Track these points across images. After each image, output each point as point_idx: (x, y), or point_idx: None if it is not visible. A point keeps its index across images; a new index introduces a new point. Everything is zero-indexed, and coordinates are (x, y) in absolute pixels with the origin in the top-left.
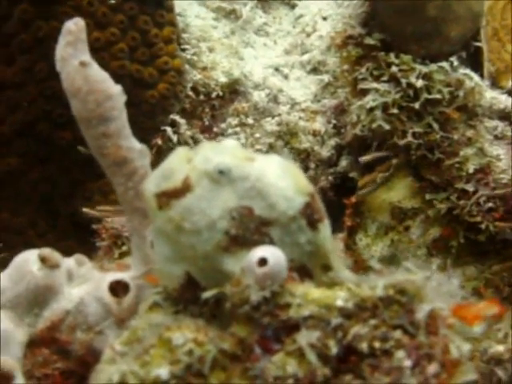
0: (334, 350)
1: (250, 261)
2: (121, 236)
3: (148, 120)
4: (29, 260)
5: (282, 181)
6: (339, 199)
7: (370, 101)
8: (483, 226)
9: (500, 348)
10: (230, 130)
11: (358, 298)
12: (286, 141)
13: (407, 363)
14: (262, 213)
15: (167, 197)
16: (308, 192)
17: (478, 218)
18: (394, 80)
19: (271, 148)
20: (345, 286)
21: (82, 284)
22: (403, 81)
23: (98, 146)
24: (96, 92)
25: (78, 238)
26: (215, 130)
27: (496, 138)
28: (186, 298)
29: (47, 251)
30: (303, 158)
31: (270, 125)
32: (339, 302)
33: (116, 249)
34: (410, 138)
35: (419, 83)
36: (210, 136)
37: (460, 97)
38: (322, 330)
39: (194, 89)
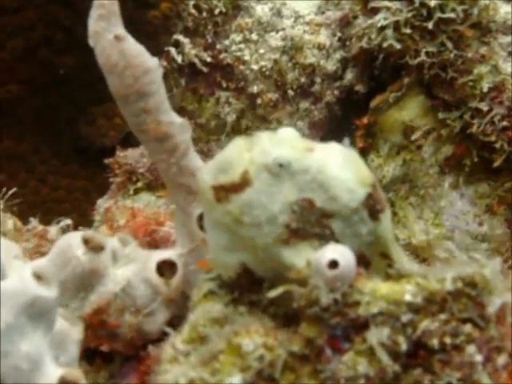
0: (403, 346)
1: (320, 262)
2: (135, 172)
3: (151, 41)
4: (73, 244)
5: (344, 172)
6: (345, 113)
7: (381, 19)
8: (497, 146)
9: None
10: (233, 47)
11: (426, 291)
12: (290, 55)
13: (478, 358)
14: (323, 205)
15: (225, 191)
16: (370, 182)
17: (493, 137)
18: None
19: (276, 64)
20: (413, 280)
21: (127, 264)
22: (416, 0)
23: (138, 122)
24: (133, 67)
25: (81, 162)
26: (218, 46)
27: (510, 54)
28: (242, 284)
29: (90, 233)
30: (309, 73)
31: (275, 40)
32: (408, 297)
33: (130, 185)
34: (423, 57)
35: (433, 2)
36: (214, 53)
37: (474, 14)
38: (391, 327)
39: (196, 6)
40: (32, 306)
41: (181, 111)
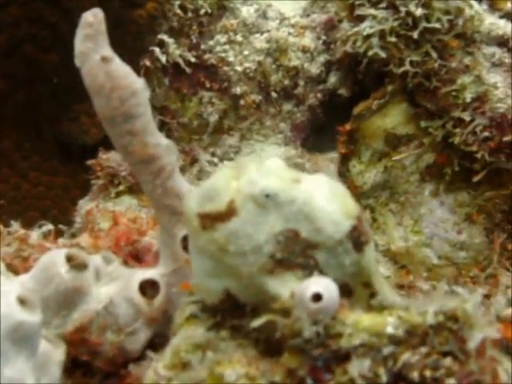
0: (384, 378)
1: (304, 295)
2: (117, 175)
3: (136, 41)
4: (56, 262)
5: (330, 204)
6: (327, 116)
7: (366, 27)
8: (479, 156)
9: None
10: (218, 48)
11: (408, 324)
12: (275, 57)
13: None
14: (308, 236)
15: (211, 219)
16: (355, 215)
17: (474, 148)
18: (392, 7)
19: (260, 65)
20: (394, 312)
21: (109, 282)
22: (402, 9)
23: (124, 143)
24: (120, 89)
25: (62, 159)
26: (203, 47)
27: (493, 65)
28: (224, 308)
29: (74, 251)
30: (292, 76)
31: (259, 41)
32: (389, 330)
33: (112, 188)
34: (407, 67)
35: (418, 12)
36: (198, 53)
37: (459, 25)
38: (372, 359)
39: (181, 6)
40: (16, 331)
41: (163, 110)
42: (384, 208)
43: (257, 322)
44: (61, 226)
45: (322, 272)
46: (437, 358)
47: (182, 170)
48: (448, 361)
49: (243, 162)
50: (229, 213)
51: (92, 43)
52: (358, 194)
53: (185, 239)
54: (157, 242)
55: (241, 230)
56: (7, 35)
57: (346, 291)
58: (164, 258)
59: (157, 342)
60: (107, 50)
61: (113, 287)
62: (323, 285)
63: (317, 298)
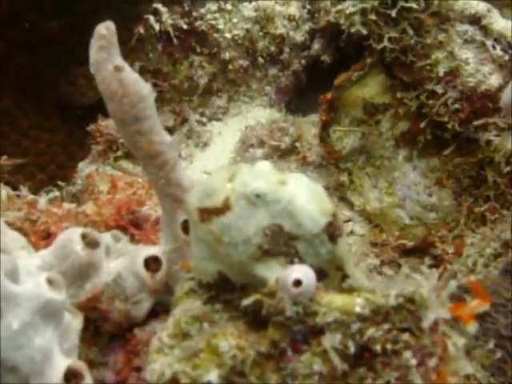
0: (352, 349)
1: (286, 280)
2: (115, 141)
3: (132, 8)
4: (73, 240)
5: (310, 203)
6: (310, 80)
7: (349, 6)
8: (449, 126)
9: None
10: (209, 15)
11: (373, 305)
12: (262, 25)
13: (413, 362)
14: (290, 230)
15: (209, 213)
16: (331, 213)
17: (445, 118)
18: None
19: (248, 32)
20: (362, 294)
21: (118, 258)
22: None
23: (133, 141)
24: (130, 95)
25: (62, 118)
26: (194, 14)
27: (465, 41)
28: (218, 285)
29: (88, 230)
30: (278, 42)
31: (248, 10)
32: (357, 309)
33: (111, 153)
34: (385, 43)
35: None
36: (190, 20)
37: (434, 4)
38: (342, 333)
39: None
40: (45, 308)
41: (156, 73)
42: (361, 171)
43: (246, 301)
44: (60, 183)
45: (301, 259)
46: (396, 334)
47: (173, 129)
48: (406, 336)
49: (237, 165)
50: (224, 208)
51: (105, 53)
52: (337, 157)
53: (184, 222)
54: (160, 224)
55: (233, 224)
56: (10, 3)
57: (321, 274)
58: (166, 238)
59: (158, 310)
60: (119, 60)
61: (121, 262)
62: (303, 272)
63: (297, 283)
